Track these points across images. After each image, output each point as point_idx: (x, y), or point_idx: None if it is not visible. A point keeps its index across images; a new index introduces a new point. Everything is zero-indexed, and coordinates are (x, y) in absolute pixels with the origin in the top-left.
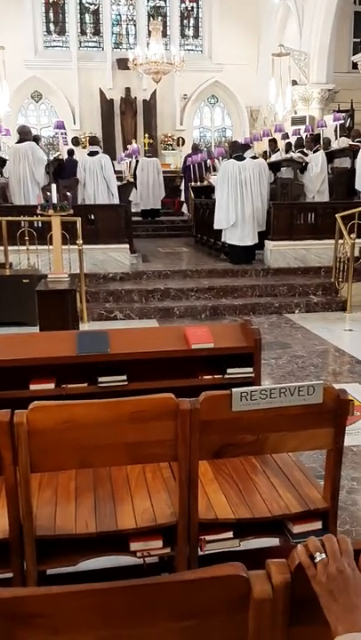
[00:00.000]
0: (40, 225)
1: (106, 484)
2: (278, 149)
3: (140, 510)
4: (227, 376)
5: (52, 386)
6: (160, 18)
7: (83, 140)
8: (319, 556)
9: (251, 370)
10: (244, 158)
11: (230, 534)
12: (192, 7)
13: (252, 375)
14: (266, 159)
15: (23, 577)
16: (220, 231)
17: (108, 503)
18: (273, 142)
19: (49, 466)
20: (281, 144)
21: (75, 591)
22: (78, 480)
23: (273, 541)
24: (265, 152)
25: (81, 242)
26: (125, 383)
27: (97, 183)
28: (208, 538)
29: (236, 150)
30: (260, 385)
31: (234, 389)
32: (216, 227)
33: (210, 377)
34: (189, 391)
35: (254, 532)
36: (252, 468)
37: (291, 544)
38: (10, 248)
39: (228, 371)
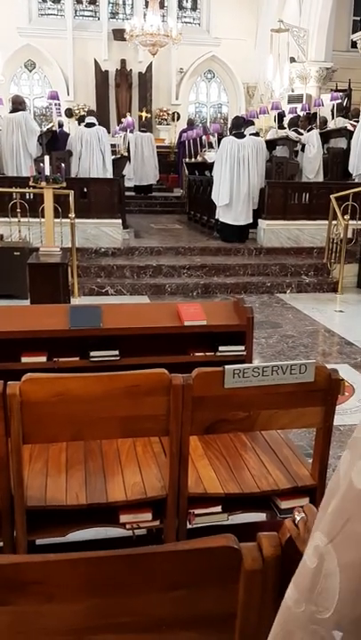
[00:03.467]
0: (32, 197)
1: (97, 458)
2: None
3: (131, 483)
4: (218, 354)
5: (43, 359)
6: None
7: (76, 111)
8: (298, 516)
9: (242, 348)
10: (244, 136)
11: (219, 508)
12: None
13: (244, 353)
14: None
15: (13, 546)
16: (213, 209)
17: (98, 476)
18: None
19: (41, 437)
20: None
21: (70, 559)
22: (69, 452)
23: (260, 516)
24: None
25: (73, 215)
26: (117, 358)
27: (93, 155)
28: (197, 511)
29: (238, 127)
30: (251, 363)
31: (227, 366)
32: (218, 204)
33: (202, 354)
34: (181, 367)
35: (242, 507)
36: (241, 444)
37: (278, 519)
38: (1, 220)
39: (220, 348)
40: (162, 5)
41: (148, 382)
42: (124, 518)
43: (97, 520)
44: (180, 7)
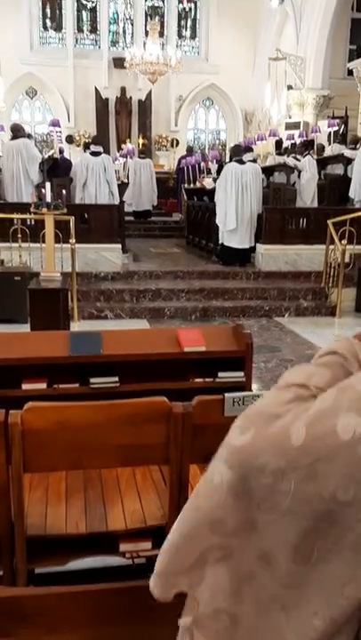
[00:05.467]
0: (33, 223)
1: (96, 485)
2: (281, 152)
3: (130, 511)
4: (218, 379)
5: (44, 386)
6: (158, 18)
7: (77, 138)
8: None
9: (242, 374)
10: (245, 162)
11: None
12: (190, 8)
13: (243, 379)
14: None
15: (13, 575)
16: (212, 233)
17: (98, 504)
18: (279, 144)
19: (42, 466)
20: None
21: (71, 592)
22: (69, 480)
23: None
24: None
25: (74, 241)
26: (117, 384)
27: (99, 183)
28: None
29: (238, 154)
30: (250, 389)
31: (226, 394)
32: (223, 229)
33: (201, 380)
34: (180, 393)
35: None
36: None
37: None
38: (1, 245)
39: (220, 374)
40: (161, 34)
41: (148, 410)
42: (123, 547)
43: (97, 549)
44: (180, 36)
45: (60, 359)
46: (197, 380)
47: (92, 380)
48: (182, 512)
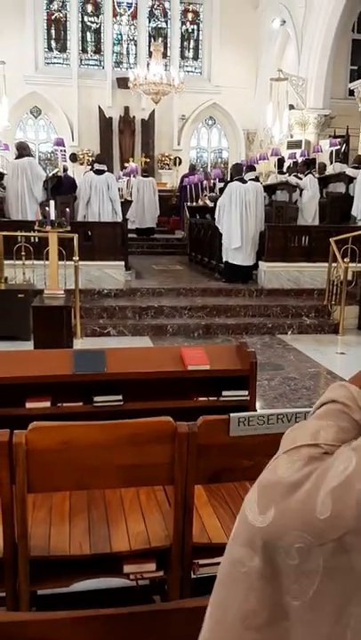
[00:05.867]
0: (37, 240)
1: (100, 506)
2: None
3: (134, 533)
4: (222, 398)
5: (47, 404)
6: (161, 39)
7: (80, 156)
8: None
9: (246, 393)
10: (246, 181)
11: None
12: (193, 30)
13: (248, 398)
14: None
15: (16, 597)
16: (215, 250)
17: (102, 525)
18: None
19: (46, 486)
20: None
21: (75, 617)
22: (72, 500)
23: None
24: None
25: (77, 258)
26: (121, 403)
27: (102, 201)
28: (201, 562)
29: (240, 173)
30: (255, 408)
31: (232, 414)
32: (233, 247)
33: (205, 399)
34: (184, 412)
35: None
36: (245, 491)
37: None
38: (6, 262)
39: (224, 393)
40: (165, 55)
41: (153, 430)
42: (127, 569)
43: (100, 570)
44: (183, 57)
45: (63, 377)
46: (201, 398)
47: (96, 399)
48: (209, 609)
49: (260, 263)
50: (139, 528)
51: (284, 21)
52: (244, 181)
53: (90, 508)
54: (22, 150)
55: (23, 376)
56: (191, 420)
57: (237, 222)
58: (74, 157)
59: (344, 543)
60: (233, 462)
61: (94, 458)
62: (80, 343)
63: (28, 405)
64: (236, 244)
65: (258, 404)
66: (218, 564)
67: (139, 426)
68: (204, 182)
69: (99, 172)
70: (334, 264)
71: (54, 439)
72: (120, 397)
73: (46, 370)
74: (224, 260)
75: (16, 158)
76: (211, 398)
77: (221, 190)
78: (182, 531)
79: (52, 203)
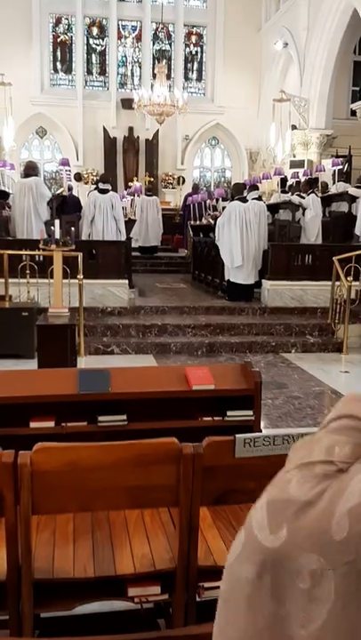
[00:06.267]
0: (41, 259)
1: (104, 527)
2: (286, 190)
3: (139, 555)
4: (227, 418)
5: (51, 424)
6: (165, 61)
7: (85, 175)
8: None
9: (251, 413)
10: (247, 200)
11: None
12: (196, 52)
13: (253, 418)
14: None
15: (19, 620)
16: (218, 269)
17: (106, 546)
18: (284, 181)
19: (50, 508)
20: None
21: None
22: (76, 522)
23: None
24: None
25: (82, 276)
26: (125, 423)
27: (107, 220)
28: (206, 585)
29: (240, 192)
30: (259, 428)
31: (237, 435)
32: (233, 266)
33: (210, 419)
34: (189, 432)
35: None
36: None
37: None
38: (10, 280)
39: (228, 413)
40: (168, 77)
41: (158, 451)
42: (132, 592)
43: (104, 593)
44: (186, 78)
45: (68, 397)
46: (206, 418)
47: (101, 419)
48: (214, 634)
49: (264, 281)
50: (143, 550)
51: (287, 44)
52: (244, 200)
53: (94, 530)
54: (31, 170)
55: (28, 395)
56: (196, 441)
57: (238, 241)
58: (78, 177)
59: (359, 567)
60: (238, 484)
61: (99, 479)
62: (84, 361)
63: (33, 425)
64: (237, 263)
65: (262, 424)
66: None
67: (144, 447)
68: (208, 201)
69: (103, 192)
70: (338, 282)
71: (59, 460)
72: (125, 417)
73: (51, 389)
74: (226, 278)
75: (24, 177)
76: (215, 418)
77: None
78: (187, 553)
79: (56, 222)
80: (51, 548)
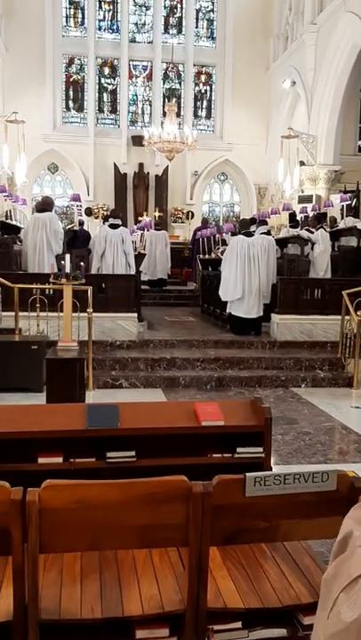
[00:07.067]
0: (51, 292)
1: (112, 567)
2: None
3: (148, 596)
4: (236, 455)
5: (60, 460)
6: (175, 99)
7: (96, 210)
8: None
9: (261, 449)
10: (253, 234)
11: (239, 624)
12: (205, 90)
13: (263, 455)
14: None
15: None
16: (226, 302)
17: (114, 587)
18: (293, 216)
19: (58, 547)
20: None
21: None
22: (84, 561)
23: (281, 632)
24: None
25: (91, 310)
26: (134, 459)
27: (117, 255)
28: (216, 627)
29: (245, 227)
30: (270, 465)
31: (248, 474)
32: (223, 299)
33: (219, 455)
34: (198, 469)
35: (263, 622)
36: (260, 552)
37: (299, 635)
38: (20, 314)
39: (238, 450)
40: (178, 114)
41: (167, 490)
42: (140, 634)
43: (112, 634)
44: (196, 116)
45: (77, 432)
46: (215, 455)
47: (109, 455)
48: None
49: (273, 315)
50: (152, 591)
51: (295, 82)
52: (249, 235)
53: (102, 569)
54: (47, 206)
55: (36, 431)
56: (205, 478)
57: (237, 275)
58: (89, 212)
59: None
60: (249, 523)
61: (108, 517)
62: (92, 395)
63: (41, 461)
64: (236, 296)
65: (272, 460)
66: (233, 630)
67: (153, 485)
68: (217, 236)
69: (114, 227)
70: (347, 317)
71: (68, 498)
72: (133, 453)
73: (59, 425)
74: (227, 311)
75: (38, 212)
76: (225, 455)
77: None
78: (197, 594)
79: (67, 256)
80: (58, 587)
